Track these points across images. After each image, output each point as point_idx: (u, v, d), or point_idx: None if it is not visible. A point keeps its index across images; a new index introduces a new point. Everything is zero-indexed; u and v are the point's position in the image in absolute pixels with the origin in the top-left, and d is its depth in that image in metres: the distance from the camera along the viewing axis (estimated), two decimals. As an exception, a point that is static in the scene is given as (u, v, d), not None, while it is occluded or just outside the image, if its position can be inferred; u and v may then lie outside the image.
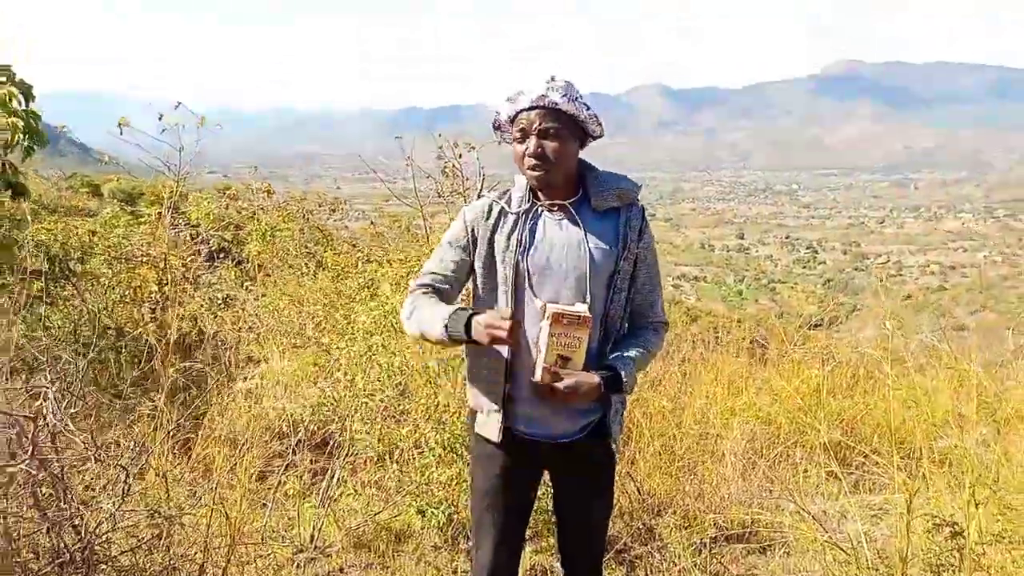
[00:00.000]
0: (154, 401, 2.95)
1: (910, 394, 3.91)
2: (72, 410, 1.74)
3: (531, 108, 1.87)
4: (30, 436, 1.57)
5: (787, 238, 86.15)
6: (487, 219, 1.97)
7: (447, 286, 2.00)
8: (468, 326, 1.81)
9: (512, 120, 1.93)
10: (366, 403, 3.32)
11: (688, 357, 5.47)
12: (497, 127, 2.01)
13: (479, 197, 5.50)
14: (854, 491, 3.56)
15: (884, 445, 3.68)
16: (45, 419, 1.60)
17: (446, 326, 1.83)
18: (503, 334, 1.75)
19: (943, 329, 5.57)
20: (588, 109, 1.89)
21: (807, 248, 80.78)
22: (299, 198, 7.77)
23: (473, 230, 1.98)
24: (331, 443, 3.42)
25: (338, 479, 3.14)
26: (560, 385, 1.84)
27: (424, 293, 1.98)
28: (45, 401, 1.60)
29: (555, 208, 1.96)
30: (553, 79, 1.87)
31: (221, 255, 6.21)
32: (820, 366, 4.57)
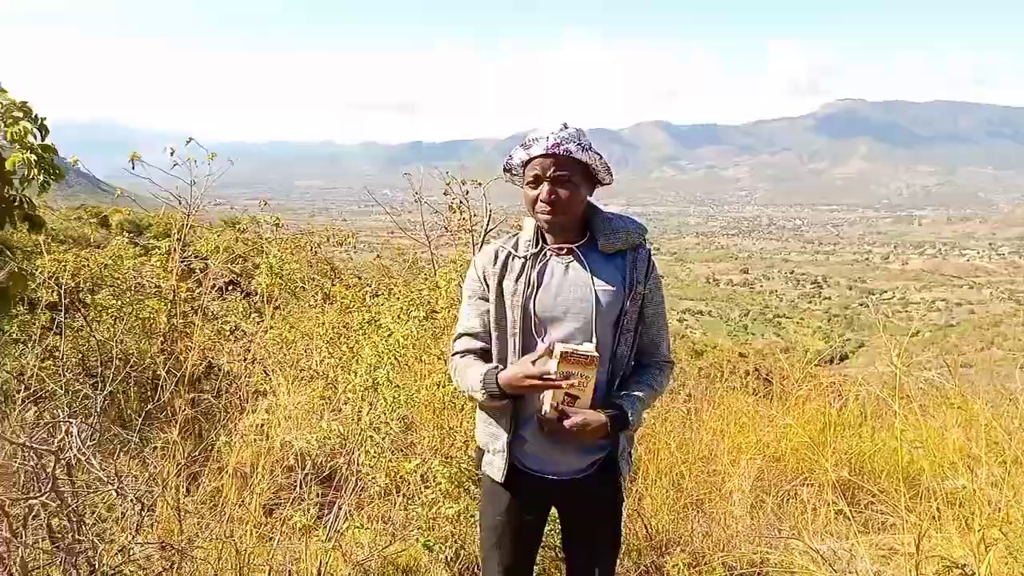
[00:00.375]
0: (166, 433, 2.96)
1: (917, 434, 3.90)
2: (90, 443, 1.76)
3: (545, 155, 1.90)
4: (50, 469, 1.58)
5: (792, 273, 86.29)
6: (495, 264, 2.01)
7: (481, 343, 2.06)
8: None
9: (525, 165, 1.96)
10: (371, 437, 3.33)
11: (693, 393, 5.47)
12: (508, 169, 2.05)
13: (486, 233, 5.56)
14: (863, 531, 3.53)
15: (893, 484, 3.66)
16: (64, 452, 1.61)
17: (484, 386, 1.93)
18: (529, 383, 1.85)
19: (950, 366, 5.56)
20: (600, 158, 1.93)
21: (812, 283, 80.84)
22: (309, 231, 7.84)
23: (484, 276, 2.03)
24: (338, 476, 3.42)
25: (345, 513, 3.13)
26: (568, 423, 1.87)
27: (463, 358, 2.06)
28: (68, 436, 1.62)
29: (563, 251, 2.00)
30: (565, 126, 1.92)
31: (230, 287, 6.25)
32: (828, 403, 4.56)
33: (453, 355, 2.09)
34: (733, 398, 5.21)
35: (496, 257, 2.02)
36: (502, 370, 1.92)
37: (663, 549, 3.34)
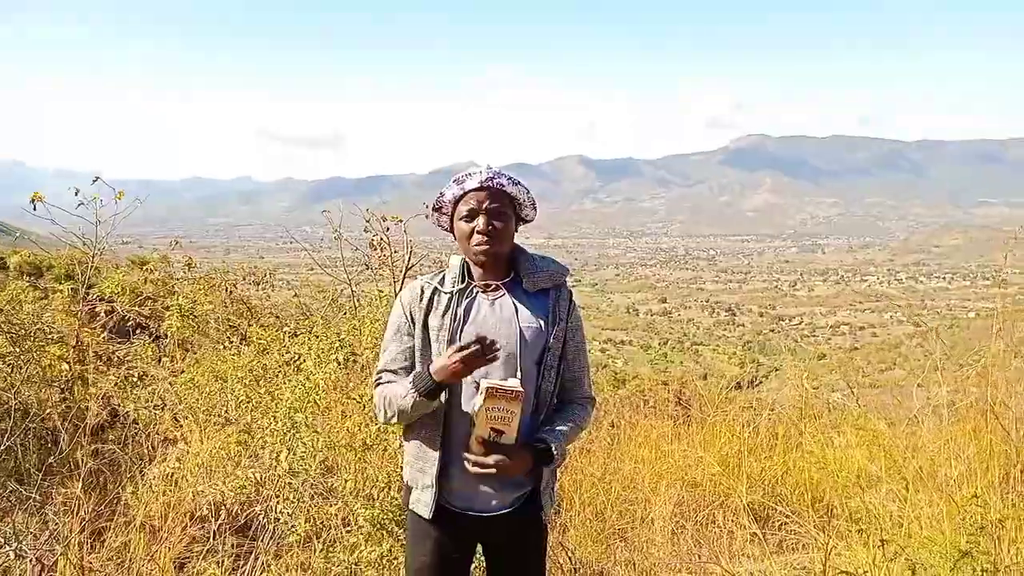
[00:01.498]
0: (67, 488, 2.80)
1: (823, 454, 4.07)
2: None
3: (480, 188, 1.98)
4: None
5: (707, 302, 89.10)
6: (421, 301, 2.04)
7: (401, 379, 2.05)
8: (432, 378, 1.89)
9: (458, 200, 2.03)
10: (290, 483, 3.23)
11: (616, 422, 5.56)
12: (438, 208, 2.09)
13: (407, 268, 5.54)
14: (777, 551, 3.65)
15: (803, 505, 3.81)
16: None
17: (415, 386, 1.90)
18: (459, 366, 1.84)
19: (853, 388, 5.84)
20: (528, 192, 2.03)
21: (726, 311, 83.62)
22: (223, 270, 7.60)
23: (410, 313, 2.06)
24: (254, 526, 3.30)
25: (262, 563, 3.03)
26: (491, 459, 1.89)
27: (385, 384, 2.05)
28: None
29: (489, 287, 2.04)
30: (489, 167, 2.00)
31: (138, 331, 5.99)
32: (740, 429, 4.72)
33: (376, 388, 2.08)
34: (654, 426, 5.32)
35: (422, 293, 2.05)
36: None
37: (587, 581, 3.36)
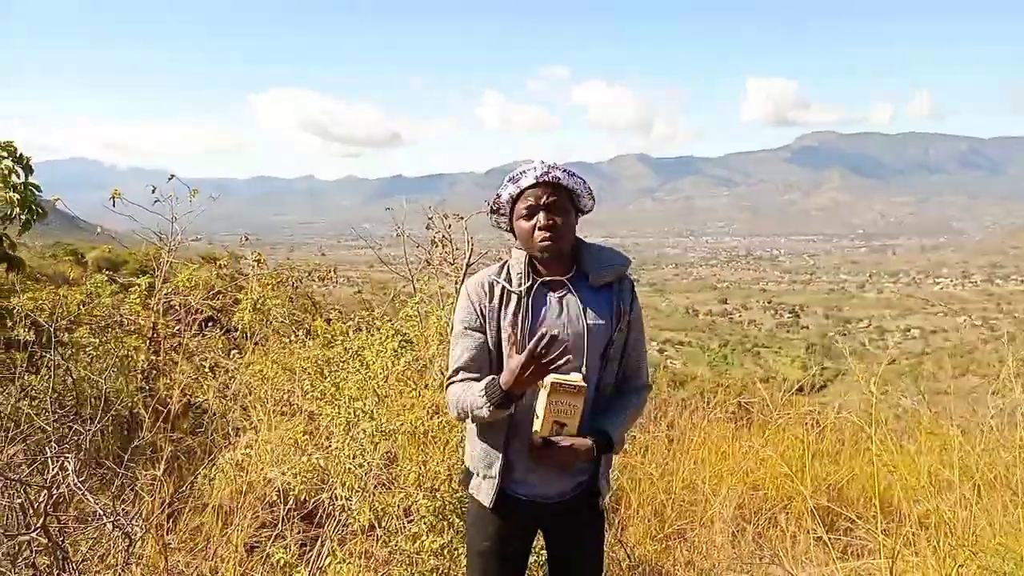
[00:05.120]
0: (152, 471, 2.95)
1: (891, 459, 3.96)
2: (80, 479, 1.76)
3: (537, 184, 1.98)
4: (41, 505, 1.58)
5: (770, 303, 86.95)
6: (491, 299, 2.05)
7: (476, 375, 2.04)
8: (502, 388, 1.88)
9: (515, 199, 2.04)
10: (353, 471, 3.32)
11: (675, 422, 5.51)
12: (496, 210, 2.10)
13: (467, 267, 5.60)
14: (842, 557, 3.57)
15: (870, 510, 3.71)
16: (56, 487, 1.62)
17: (487, 398, 1.89)
18: (524, 373, 1.82)
19: (925, 393, 5.65)
20: (584, 183, 2.03)
21: (790, 312, 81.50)
22: (291, 266, 7.85)
23: (481, 309, 2.06)
24: (320, 512, 3.40)
25: (327, 549, 3.12)
26: (557, 446, 1.92)
27: (460, 384, 2.04)
28: (62, 471, 1.63)
29: (554, 285, 2.06)
30: (543, 162, 2.01)
31: (209, 323, 6.22)
32: (805, 431, 4.62)
33: (449, 387, 2.07)
34: (714, 427, 5.25)
35: (492, 290, 2.05)
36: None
37: (646, 579, 3.35)
